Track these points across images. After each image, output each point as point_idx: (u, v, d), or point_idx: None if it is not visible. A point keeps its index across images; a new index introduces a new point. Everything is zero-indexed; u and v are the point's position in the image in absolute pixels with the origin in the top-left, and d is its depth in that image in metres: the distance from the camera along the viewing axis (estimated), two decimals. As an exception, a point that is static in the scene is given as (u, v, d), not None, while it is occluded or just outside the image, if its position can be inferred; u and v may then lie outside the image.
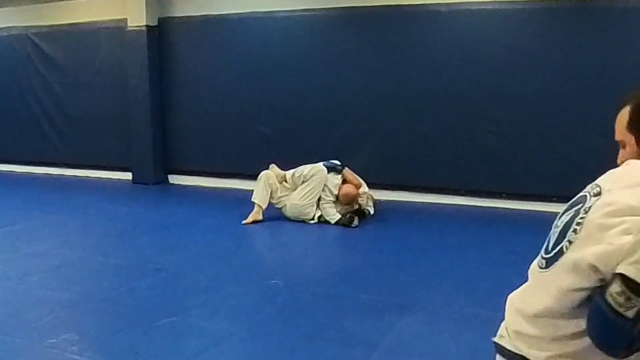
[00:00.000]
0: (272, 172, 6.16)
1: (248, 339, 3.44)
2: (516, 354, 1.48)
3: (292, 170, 6.18)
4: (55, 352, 3.17)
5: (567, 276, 1.35)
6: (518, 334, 1.49)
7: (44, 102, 8.90)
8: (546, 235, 1.57)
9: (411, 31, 6.76)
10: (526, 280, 1.61)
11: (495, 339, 1.57)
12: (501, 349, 1.53)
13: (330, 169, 6.11)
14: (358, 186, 6.10)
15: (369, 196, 6.24)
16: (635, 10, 5.91)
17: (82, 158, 8.78)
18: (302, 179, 6.09)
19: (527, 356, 1.44)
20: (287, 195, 6.11)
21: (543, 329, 1.42)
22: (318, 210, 6.08)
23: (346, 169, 6.15)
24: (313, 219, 6.06)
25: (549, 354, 1.40)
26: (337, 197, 6.04)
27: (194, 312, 3.77)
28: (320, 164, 6.17)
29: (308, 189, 6.04)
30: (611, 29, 6.04)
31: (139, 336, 3.38)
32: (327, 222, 5.98)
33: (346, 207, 6.07)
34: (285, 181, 6.15)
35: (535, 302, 1.44)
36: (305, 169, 6.14)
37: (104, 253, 5.13)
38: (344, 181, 6.08)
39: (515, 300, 1.57)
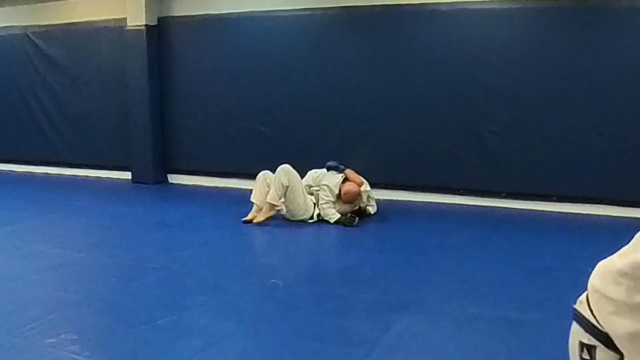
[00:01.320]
0: (269, 172, 6.06)
1: (248, 339, 3.44)
2: (592, 325, 1.34)
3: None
4: (55, 351, 3.17)
5: None
6: (599, 295, 1.33)
7: (43, 101, 8.90)
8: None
9: (410, 30, 6.76)
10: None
11: (575, 305, 1.43)
12: (578, 317, 1.41)
13: (332, 168, 6.12)
14: (360, 184, 6.08)
15: (371, 195, 6.23)
16: (635, 10, 5.91)
17: (82, 157, 8.78)
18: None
19: (605, 326, 1.31)
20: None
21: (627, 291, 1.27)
22: (317, 209, 6.07)
23: (348, 169, 6.13)
24: (312, 217, 6.06)
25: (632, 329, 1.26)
26: (338, 196, 6.02)
27: (194, 311, 3.77)
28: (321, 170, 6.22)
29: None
30: (611, 28, 6.04)
31: (139, 335, 3.38)
32: (327, 222, 5.97)
33: (347, 205, 6.06)
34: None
35: (627, 258, 1.29)
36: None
37: (103, 253, 5.13)
38: (345, 180, 6.06)
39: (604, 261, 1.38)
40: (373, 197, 6.30)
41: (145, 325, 3.51)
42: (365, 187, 6.15)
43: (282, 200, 5.92)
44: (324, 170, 6.20)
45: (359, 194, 6.05)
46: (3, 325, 3.52)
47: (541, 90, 6.28)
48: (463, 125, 6.63)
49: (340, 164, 6.14)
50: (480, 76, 6.47)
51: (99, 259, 4.95)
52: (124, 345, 3.29)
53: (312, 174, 6.25)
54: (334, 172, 6.10)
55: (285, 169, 5.93)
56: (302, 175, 6.18)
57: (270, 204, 5.88)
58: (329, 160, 6.31)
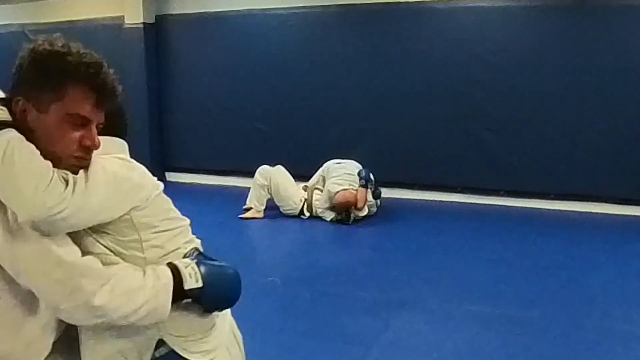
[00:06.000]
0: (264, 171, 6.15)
1: (245, 337, 3.43)
2: None
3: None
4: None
5: None
6: None
7: (41, 99, 8.87)
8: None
9: (409, 28, 6.75)
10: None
11: None
12: None
13: (361, 177, 5.92)
14: (354, 201, 5.82)
15: (366, 212, 6.05)
16: (633, 9, 5.92)
17: (80, 156, 8.75)
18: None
19: None
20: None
21: None
22: (306, 205, 6.09)
23: (363, 189, 5.86)
24: (302, 213, 6.07)
25: None
26: (332, 207, 5.93)
27: (192, 309, 3.76)
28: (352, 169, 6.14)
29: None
30: (609, 27, 6.04)
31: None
32: (323, 219, 5.98)
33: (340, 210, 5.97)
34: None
35: None
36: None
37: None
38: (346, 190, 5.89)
39: None
40: (369, 210, 6.09)
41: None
42: (359, 212, 5.91)
43: (267, 198, 6.08)
44: (345, 165, 6.17)
45: (353, 205, 5.85)
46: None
47: (539, 88, 6.28)
48: (461, 123, 6.63)
49: (371, 180, 5.95)
50: (479, 74, 6.47)
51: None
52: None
53: (331, 164, 6.28)
54: (356, 179, 5.93)
55: (261, 170, 6.14)
56: (303, 173, 6.25)
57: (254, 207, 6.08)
58: (328, 159, 6.35)
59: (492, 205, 6.52)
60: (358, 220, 5.93)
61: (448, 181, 6.76)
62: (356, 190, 5.85)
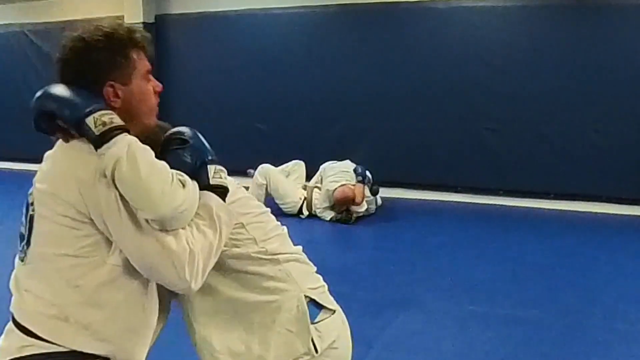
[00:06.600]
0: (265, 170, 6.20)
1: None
2: None
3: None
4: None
5: None
6: None
7: (40, 99, 8.86)
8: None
9: (408, 28, 6.76)
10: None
11: None
12: None
13: (358, 173, 6.00)
14: (352, 197, 5.83)
15: (365, 210, 6.05)
16: (632, 8, 5.92)
17: (79, 155, 8.74)
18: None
19: None
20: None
21: None
22: (305, 204, 6.11)
23: (360, 185, 5.91)
24: (301, 212, 6.07)
25: None
26: (332, 207, 5.94)
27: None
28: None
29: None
30: (608, 26, 6.05)
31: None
32: (322, 219, 5.99)
33: (339, 207, 5.99)
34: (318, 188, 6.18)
35: None
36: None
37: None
38: (344, 185, 5.90)
39: None
40: (367, 207, 6.10)
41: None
42: (358, 208, 5.92)
43: (263, 198, 6.08)
44: (340, 164, 6.20)
45: (351, 200, 5.85)
46: (3, 326, 3.51)
47: (538, 88, 6.28)
48: (460, 123, 6.63)
49: (367, 177, 6.02)
50: (478, 74, 6.47)
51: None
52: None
53: (327, 165, 6.30)
54: (352, 176, 5.97)
55: (261, 169, 6.20)
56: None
57: None
58: (328, 159, 6.36)
59: (492, 205, 6.52)
60: (358, 219, 5.93)
61: (448, 181, 6.76)
62: (354, 185, 5.88)
